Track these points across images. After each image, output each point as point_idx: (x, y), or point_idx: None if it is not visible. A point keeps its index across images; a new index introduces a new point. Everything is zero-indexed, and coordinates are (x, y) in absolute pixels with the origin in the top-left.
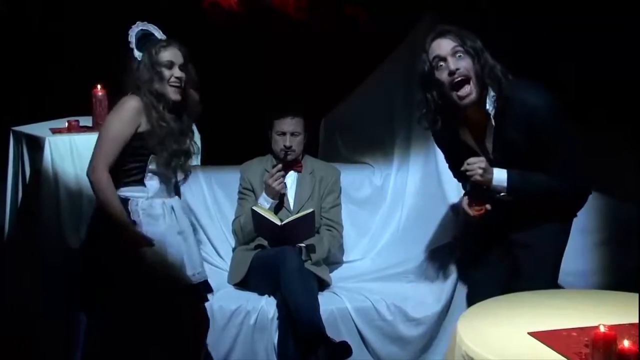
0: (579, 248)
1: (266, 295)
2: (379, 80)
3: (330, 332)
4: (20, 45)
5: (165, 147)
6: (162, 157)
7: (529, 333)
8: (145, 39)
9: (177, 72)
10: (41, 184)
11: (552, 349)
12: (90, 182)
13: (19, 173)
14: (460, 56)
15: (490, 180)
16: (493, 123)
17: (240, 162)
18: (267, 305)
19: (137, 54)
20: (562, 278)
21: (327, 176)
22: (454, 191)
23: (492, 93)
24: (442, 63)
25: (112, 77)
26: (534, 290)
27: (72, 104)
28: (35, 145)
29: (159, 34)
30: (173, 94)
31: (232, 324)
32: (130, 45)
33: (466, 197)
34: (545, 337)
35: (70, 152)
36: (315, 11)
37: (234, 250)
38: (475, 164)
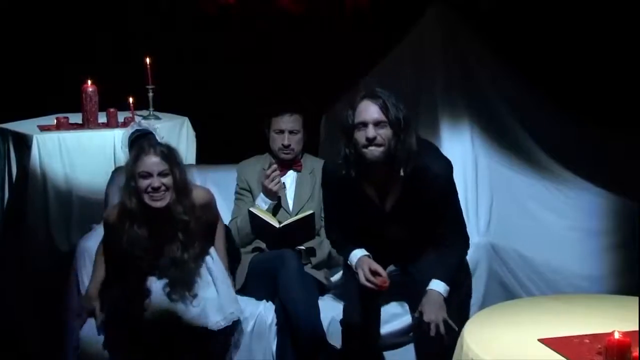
0: (593, 251)
1: (264, 301)
2: (381, 76)
3: (331, 339)
4: (7, 40)
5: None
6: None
7: (539, 340)
8: (140, 139)
9: (155, 182)
10: (29, 183)
11: (564, 357)
12: None
13: (6, 172)
14: (382, 126)
15: (442, 298)
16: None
17: (237, 161)
18: (265, 311)
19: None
20: (575, 282)
21: None
22: (461, 190)
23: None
24: (363, 127)
25: (102, 73)
26: (540, 295)
27: (61, 100)
28: (23, 143)
29: (157, 136)
30: (151, 201)
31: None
32: (122, 150)
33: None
34: (556, 344)
35: (59, 150)
36: (313, 3)
37: None
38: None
